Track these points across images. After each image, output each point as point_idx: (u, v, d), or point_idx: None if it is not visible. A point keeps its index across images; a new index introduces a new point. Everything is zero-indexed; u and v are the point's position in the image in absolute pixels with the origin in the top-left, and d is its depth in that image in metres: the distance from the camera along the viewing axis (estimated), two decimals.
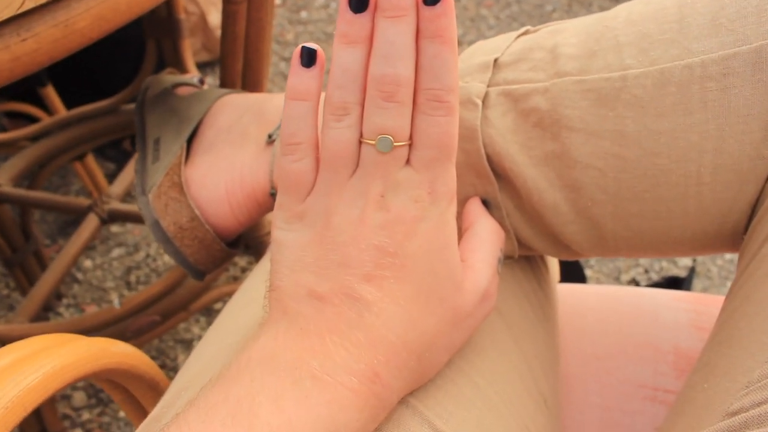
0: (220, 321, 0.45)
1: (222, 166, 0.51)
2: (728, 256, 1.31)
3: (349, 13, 0.30)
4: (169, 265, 1.38)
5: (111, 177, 1.49)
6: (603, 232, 0.40)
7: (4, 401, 0.33)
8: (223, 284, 1.08)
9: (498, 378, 0.38)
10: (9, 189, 0.98)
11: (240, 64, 0.71)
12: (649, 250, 0.41)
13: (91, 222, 0.98)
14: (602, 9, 2.03)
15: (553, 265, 0.53)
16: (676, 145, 0.36)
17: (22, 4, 0.39)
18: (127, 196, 1.43)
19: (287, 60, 1.95)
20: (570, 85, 0.38)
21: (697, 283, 1.28)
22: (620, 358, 0.53)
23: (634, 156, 0.37)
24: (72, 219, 1.47)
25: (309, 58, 0.32)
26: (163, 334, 1.07)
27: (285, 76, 1.89)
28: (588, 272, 1.31)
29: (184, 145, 0.53)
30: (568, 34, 0.40)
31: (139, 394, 0.47)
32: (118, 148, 1.54)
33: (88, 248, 1.40)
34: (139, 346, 1.01)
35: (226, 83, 0.73)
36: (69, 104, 1.19)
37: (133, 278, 1.35)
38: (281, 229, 0.33)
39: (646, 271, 1.31)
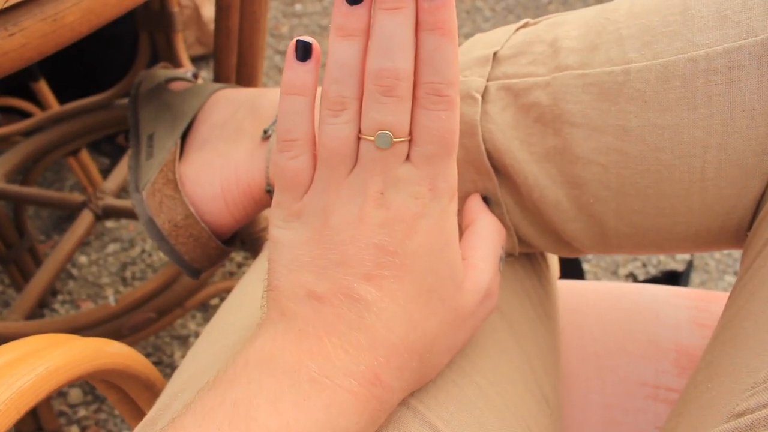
0: (215, 322, 0.44)
1: (217, 162, 0.50)
2: (726, 250, 1.31)
3: (345, 6, 0.30)
4: (165, 261, 1.37)
5: (105, 172, 1.48)
6: (605, 229, 0.39)
7: None
8: (220, 280, 1.07)
9: (499, 378, 0.38)
10: (2, 185, 0.97)
11: (234, 59, 0.70)
12: (651, 247, 0.40)
13: (85, 218, 0.98)
14: (598, 1, 2.03)
15: (554, 262, 0.53)
16: (679, 141, 0.35)
17: None
18: (122, 191, 1.42)
19: (282, 53, 1.94)
20: (571, 80, 0.37)
21: (695, 276, 1.28)
22: (621, 356, 0.52)
23: (637, 151, 0.36)
24: (66, 215, 1.46)
25: (304, 51, 0.31)
26: (159, 331, 1.07)
27: (280, 70, 1.88)
28: (585, 266, 1.30)
29: (179, 141, 0.52)
30: (568, 26, 0.40)
31: (134, 394, 0.47)
32: (112, 143, 1.53)
33: (83, 244, 1.39)
34: (135, 342, 1.01)
35: (220, 78, 0.73)
36: (62, 99, 1.19)
37: (128, 274, 1.35)
38: (278, 228, 0.32)
39: (644, 265, 1.31)
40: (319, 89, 0.32)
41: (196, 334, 1.22)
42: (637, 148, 0.36)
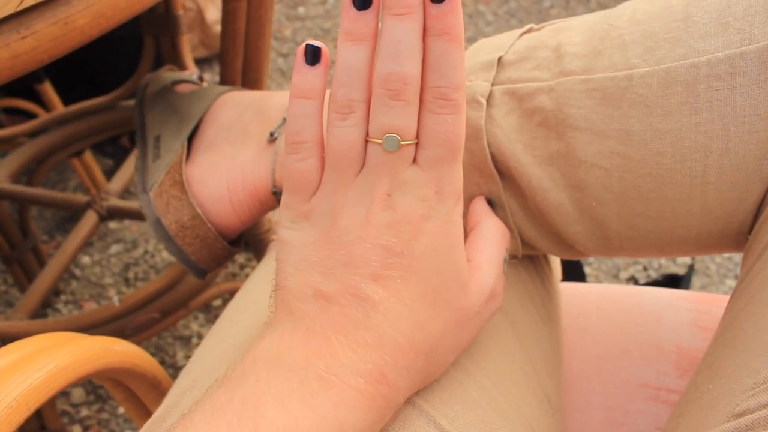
0: (222, 321, 0.45)
1: (223, 164, 0.51)
2: (727, 253, 1.31)
3: (353, 11, 0.30)
4: (168, 262, 1.37)
5: (109, 173, 1.49)
6: (607, 231, 0.40)
7: (8, 400, 0.33)
8: (223, 281, 1.08)
9: (503, 378, 0.38)
10: (7, 185, 0.97)
11: (240, 62, 0.71)
12: (653, 250, 0.41)
13: (89, 219, 0.98)
14: (600, 5, 2.03)
15: (556, 264, 0.53)
16: (681, 145, 0.36)
17: (22, 1, 0.39)
18: (126, 192, 1.43)
19: (285, 56, 1.95)
20: (575, 85, 0.38)
21: (695, 280, 1.28)
22: (623, 358, 0.53)
23: (639, 155, 0.37)
24: (70, 215, 1.47)
25: (313, 55, 0.31)
26: (162, 332, 1.07)
27: (282, 73, 1.89)
28: (587, 270, 1.31)
29: (185, 143, 0.53)
30: (572, 32, 0.40)
31: (141, 392, 0.47)
32: (116, 144, 1.54)
33: (86, 245, 1.39)
34: (138, 343, 1.01)
35: (226, 80, 0.73)
36: (66, 100, 1.19)
37: (131, 275, 1.35)
38: (287, 229, 0.33)
39: (645, 269, 1.31)
40: (328, 92, 0.33)
41: (199, 335, 1.23)
42: (639, 152, 0.36)
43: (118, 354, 0.42)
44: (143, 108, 0.61)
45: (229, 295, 1.19)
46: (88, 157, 1.26)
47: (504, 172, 0.40)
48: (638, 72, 0.36)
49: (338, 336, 0.30)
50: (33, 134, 1.02)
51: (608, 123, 0.37)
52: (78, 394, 1.15)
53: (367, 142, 0.31)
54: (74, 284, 1.33)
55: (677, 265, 1.31)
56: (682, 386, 0.50)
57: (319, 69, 0.32)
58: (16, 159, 0.98)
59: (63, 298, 1.31)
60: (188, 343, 1.22)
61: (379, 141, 0.31)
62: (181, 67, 0.92)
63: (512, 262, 0.45)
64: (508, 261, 0.39)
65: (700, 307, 0.55)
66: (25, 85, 1.22)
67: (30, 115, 1.28)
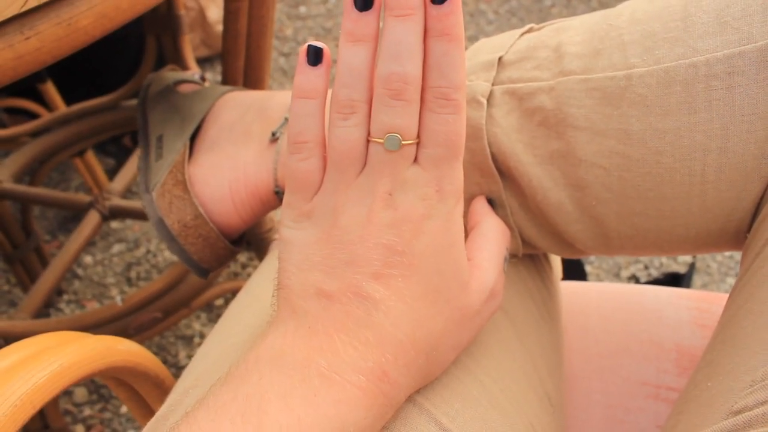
0: (224, 320, 0.45)
1: (225, 164, 0.51)
2: (728, 252, 1.31)
3: (355, 12, 0.30)
4: (170, 261, 1.38)
5: (110, 173, 1.49)
6: (607, 230, 0.40)
7: (13, 399, 0.33)
8: (225, 281, 1.08)
9: (503, 376, 0.38)
10: (10, 185, 0.98)
11: (242, 61, 0.71)
12: (652, 248, 0.41)
13: (92, 218, 0.99)
14: (601, 3, 2.03)
15: (557, 263, 0.53)
16: (680, 144, 0.36)
17: (26, 2, 0.39)
18: (128, 192, 1.43)
19: (286, 55, 1.95)
20: (575, 84, 0.38)
21: (696, 279, 1.28)
22: (623, 356, 0.53)
23: (638, 155, 0.37)
24: (72, 215, 1.47)
25: (315, 56, 0.32)
26: (164, 331, 1.08)
27: (284, 72, 1.89)
28: (588, 268, 1.31)
29: (188, 142, 0.53)
30: (572, 32, 0.40)
31: (144, 391, 0.47)
32: (118, 144, 1.54)
33: (88, 244, 1.40)
34: (141, 342, 1.01)
35: (227, 80, 0.73)
36: (68, 100, 1.19)
37: (133, 274, 1.35)
38: (289, 228, 0.33)
39: (646, 267, 1.31)
40: (330, 92, 0.33)
41: (201, 334, 1.23)
42: (638, 151, 0.37)
43: (121, 353, 0.42)
44: (146, 108, 0.61)
45: (231, 294, 1.19)
46: (91, 156, 1.26)
47: (504, 172, 0.41)
48: (637, 72, 0.36)
49: (340, 334, 0.31)
50: (35, 134, 1.03)
51: (608, 122, 0.37)
52: (81, 393, 1.16)
53: (368, 141, 0.32)
54: (77, 284, 1.34)
55: (678, 264, 1.31)
56: (682, 384, 0.50)
57: (320, 69, 0.32)
58: (18, 159, 0.98)
59: (65, 297, 1.31)
60: (190, 342, 1.22)
61: (381, 140, 0.31)
62: (183, 66, 0.92)
63: (513, 261, 0.46)
64: (508, 260, 0.39)
65: (700, 305, 0.55)
66: (27, 85, 1.22)
67: (32, 115, 1.28)
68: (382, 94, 0.30)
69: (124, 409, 1.14)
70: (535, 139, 0.39)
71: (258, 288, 0.46)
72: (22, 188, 1.01)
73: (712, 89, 0.35)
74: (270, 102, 0.53)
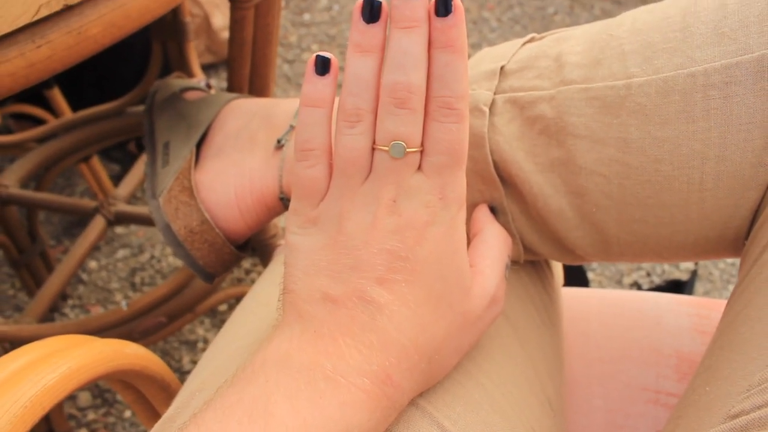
0: (230, 324, 0.46)
1: (231, 170, 0.52)
2: (730, 259, 1.31)
3: (362, 24, 0.31)
4: (173, 267, 1.38)
5: (116, 178, 1.50)
6: (607, 237, 0.40)
7: (23, 400, 0.34)
8: (228, 286, 1.09)
9: (504, 380, 0.39)
10: (17, 190, 0.98)
11: (247, 69, 0.72)
12: (652, 255, 0.41)
13: (97, 223, 0.99)
14: (603, 11, 2.04)
15: (558, 269, 0.54)
16: (679, 152, 0.36)
17: (38, 11, 0.40)
18: (133, 198, 1.44)
19: (290, 62, 1.96)
20: (575, 93, 0.39)
21: (699, 286, 1.28)
22: (624, 362, 0.53)
23: (637, 163, 0.37)
24: (77, 220, 1.48)
25: (323, 66, 0.33)
26: (169, 336, 1.08)
27: (288, 79, 1.90)
28: (590, 275, 1.31)
29: (194, 149, 0.54)
30: (573, 42, 0.41)
31: (150, 394, 0.48)
32: (123, 149, 1.55)
33: (93, 249, 1.41)
34: (144, 347, 1.02)
35: (233, 87, 0.74)
36: (75, 106, 1.20)
37: (137, 279, 1.36)
38: (295, 234, 0.34)
39: (649, 275, 1.31)
40: (337, 101, 0.34)
41: (204, 339, 1.24)
42: (638, 159, 0.37)
43: (129, 356, 0.43)
44: (152, 115, 0.62)
45: (235, 299, 1.20)
46: (96, 162, 1.27)
47: (506, 179, 0.41)
48: (637, 81, 0.37)
49: (345, 338, 0.31)
50: (42, 140, 1.03)
51: (607, 131, 0.38)
52: (85, 397, 1.16)
53: (374, 150, 0.32)
54: (81, 288, 1.34)
55: (681, 271, 1.32)
56: (681, 390, 0.51)
57: (328, 79, 0.33)
58: (25, 164, 0.99)
59: (70, 302, 1.32)
60: (194, 347, 1.23)
61: (386, 148, 0.32)
62: (189, 73, 0.93)
63: (514, 267, 0.46)
64: (509, 266, 0.40)
65: (700, 311, 0.56)
66: (34, 91, 1.23)
67: (39, 121, 1.29)
68: (387, 102, 0.31)
69: (127, 413, 1.14)
70: (536, 147, 0.40)
71: (263, 293, 0.47)
72: (28, 193, 1.01)
73: (710, 99, 0.35)
74: (275, 110, 0.54)
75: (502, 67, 0.42)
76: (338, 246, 0.33)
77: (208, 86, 0.69)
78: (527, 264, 0.47)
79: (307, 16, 2.15)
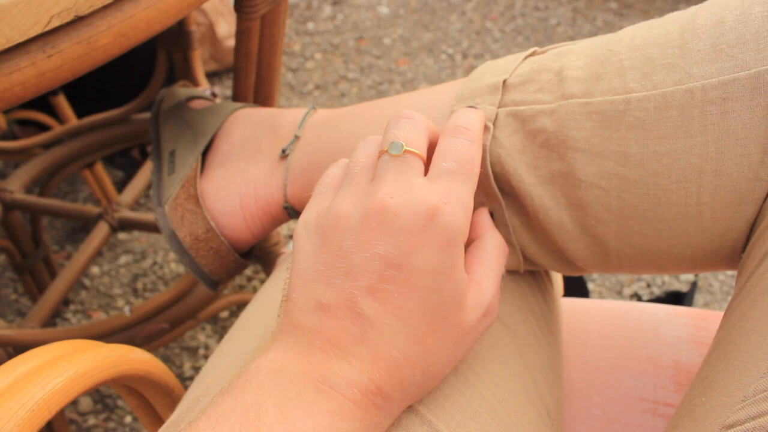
0: (234, 331, 0.46)
1: (236, 179, 0.52)
2: (730, 271, 1.32)
3: None
4: (176, 273, 1.39)
5: (119, 185, 1.51)
6: (606, 249, 0.41)
7: (30, 404, 0.34)
8: (230, 293, 1.09)
9: (502, 389, 0.39)
10: (21, 196, 0.99)
11: (253, 79, 0.73)
12: (651, 266, 0.42)
13: (101, 229, 1.00)
14: (606, 22, 2.05)
15: (557, 279, 0.54)
16: (677, 167, 0.37)
17: (49, 22, 0.41)
18: (137, 204, 1.44)
19: (294, 71, 1.97)
20: (576, 107, 0.39)
21: (698, 297, 1.29)
22: (622, 372, 0.54)
23: (636, 176, 0.38)
24: (80, 226, 1.48)
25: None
26: (170, 342, 1.09)
27: (291, 87, 1.90)
28: (591, 286, 1.31)
29: (200, 157, 0.55)
30: (574, 56, 0.41)
31: (154, 399, 0.48)
32: (126, 156, 1.56)
33: (95, 255, 1.41)
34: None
35: (238, 97, 0.75)
36: (80, 113, 1.21)
37: (139, 285, 1.36)
38: (300, 239, 0.35)
39: (649, 286, 1.32)
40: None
41: (206, 346, 1.24)
42: (636, 173, 0.38)
43: (134, 362, 0.43)
44: (158, 123, 0.63)
45: (237, 306, 1.20)
46: (99, 168, 1.28)
47: (507, 191, 0.42)
48: (636, 96, 0.38)
49: (335, 349, 0.32)
50: (47, 146, 1.04)
51: (607, 145, 0.38)
52: (86, 402, 1.16)
53: (379, 156, 0.35)
54: (83, 294, 1.35)
55: (681, 282, 1.32)
56: (678, 400, 0.51)
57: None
58: (29, 170, 1.00)
59: (72, 307, 1.32)
60: (195, 353, 1.23)
61: (386, 148, 0.34)
62: (193, 81, 0.94)
63: (515, 276, 0.46)
64: (504, 276, 0.40)
65: (697, 323, 0.56)
66: (39, 98, 1.24)
67: (44, 127, 1.30)
68: (394, 118, 0.34)
69: (128, 418, 1.15)
70: (537, 159, 0.40)
71: (267, 300, 0.47)
72: (33, 199, 1.02)
73: (708, 114, 0.36)
74: (280, 119, 0.55)
75: (504, 81, 0.43)
76: (333, 247, 0.33)
77: (214, 95, 0.69)
78: (527, 274, 0.48)
79: (310, 25, 2.16)
